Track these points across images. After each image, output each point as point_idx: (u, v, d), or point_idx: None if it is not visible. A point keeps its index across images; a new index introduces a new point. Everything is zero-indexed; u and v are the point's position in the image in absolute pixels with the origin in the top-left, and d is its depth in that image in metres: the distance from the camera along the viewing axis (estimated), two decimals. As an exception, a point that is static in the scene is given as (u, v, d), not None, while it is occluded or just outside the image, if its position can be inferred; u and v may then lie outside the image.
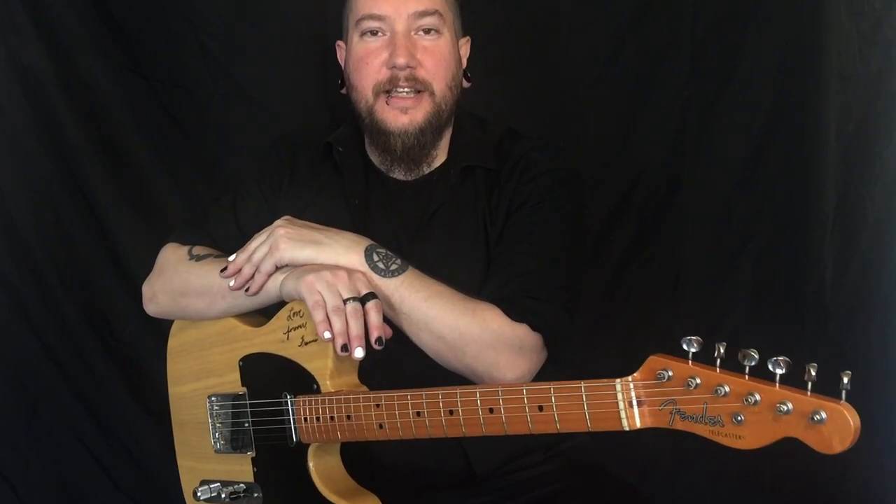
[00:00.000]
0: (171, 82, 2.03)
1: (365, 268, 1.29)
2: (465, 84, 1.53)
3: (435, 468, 1.37)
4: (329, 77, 1.98)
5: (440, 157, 1.50)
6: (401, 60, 1.40)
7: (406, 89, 1.41)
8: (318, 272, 1.26)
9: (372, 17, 1.41)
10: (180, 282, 1.45)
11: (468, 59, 1.56)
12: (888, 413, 1.90)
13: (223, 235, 1.50)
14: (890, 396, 1.91)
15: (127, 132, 2.02)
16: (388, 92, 1.42)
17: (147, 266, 1.55)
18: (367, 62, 1.43)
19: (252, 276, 1.32)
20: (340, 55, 1.54)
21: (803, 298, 1.94)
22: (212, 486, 1.43)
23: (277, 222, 1.34)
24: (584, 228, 1.53)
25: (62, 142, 2.00)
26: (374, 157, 1.51)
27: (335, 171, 1.51)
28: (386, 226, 1.45)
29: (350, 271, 1.27)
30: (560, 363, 1.36)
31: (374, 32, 1.42)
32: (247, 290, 1.33)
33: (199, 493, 1.44)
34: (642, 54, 1.97)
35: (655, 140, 2.00)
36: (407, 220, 1.46)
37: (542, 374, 1.33)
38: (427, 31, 1.43)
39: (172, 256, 1.49)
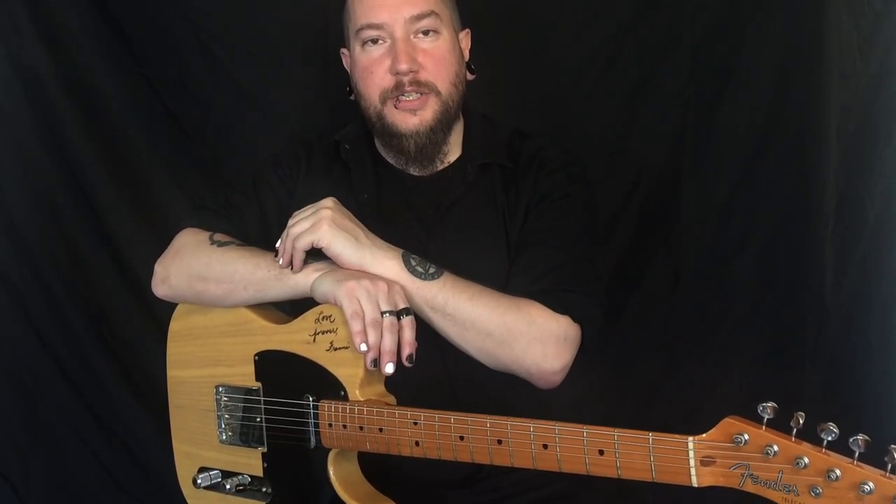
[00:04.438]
0: (171, 82, 2.03)
1: (404, 272, 1.28)
2: (470, 77, 1.54)
3: (442, 465, 1.37)
4: (329, 77, 1.99)
5: (453, 152, 1.52)
6: (403, 66, 1.40)
7: (412, 93, 1.42)
8: (359, 280, 1.24)
9: (371, 26, 1.42)
10: (200, 266, 1.42)
11: (470, 51, 1.57)
12: (888, 413, 1.90)
13: (245, 219, 1.49)
14: (890, 396, 1.91)
15: (127, 132, 2.02)
16: (395, 97, 1.43)
17: (148, 265, 1.55)
18: (371, 71, 1.44)
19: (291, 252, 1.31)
20: (346, 62, 1.55)
21: (803, 298, 1.94)
22: (211, 473, 1.43)
23: (325, 201, 1.33)
24: (598, 219, 1.55)
25: (62, 142, 2.00)
26: (389, 156, 1.51)
27: (345, 169, 1.52)
28: (401, 220, 1.45)
29: (389, 283, 1.26)
30: (587, 353, 1.38)
31: (374, 41, 1.44)
32: (291, 268, 1.32)
33: (199, 481, 1.43)
34: (642, 54, 1.97)
35: (655, 140, 2.00)
36: (423, 214, 1.46)
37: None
38: (426, 33, 1.43)
39: (192, 240, 1.47)
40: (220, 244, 1.44)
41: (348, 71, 1.54)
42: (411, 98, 1.42)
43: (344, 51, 1.54)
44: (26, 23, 1.95)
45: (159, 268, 1.50)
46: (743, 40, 1.92)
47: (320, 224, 1.29)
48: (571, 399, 1.50)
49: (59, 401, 2.06)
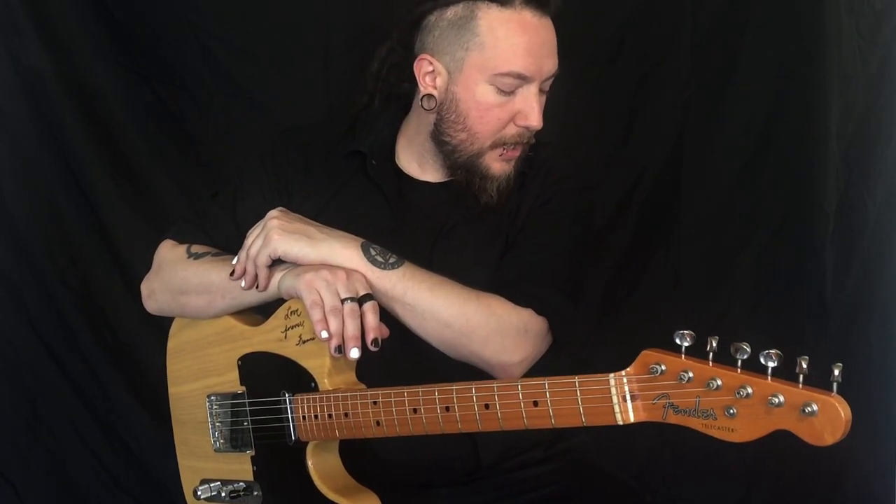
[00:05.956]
0: (171, 83, 2.03)
1: (363, 262, 1.28)
2: None
3: (441, 461, 1.37)
4: (329, 76, 1.99)
5: None
6: (537, 126, 1.38)
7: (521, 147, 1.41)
8: (317, 271, 1.25)
9: (520, 76, 1.35)
10: (179, 280, 1.44)
11: None
12: (888, 413, 1.90)
13: (221, 236, 1.49)
14: (890, 396, 1.91)
15: (127, 132, 2.02)
16: (507, 147, 1.40)
17: (148, 265, 1.55)
18: (496, 116, 1.37)
19: (255, 274, 1.32)
20: (421, 69, 1.41)
21: (803, 298, 1.94)
22: (212, 485, 1.43)
23: (270, 213, 1.33)
24: (591, 231, 1.54)
25: (63, 142, 2.00)
26: (411, 167, 1.49)
27: (362, 174, 1.47)
28: (417, 226, 1.44)
29: (349, 271, 1.26)
30: (564, 349, 1.37)
31: (511, 89, 1.37)
32: (257, 287, 1.32)
33: (199, 493, 1.44)
34: (642, 54, 1.97)
35: (655, 140, 2.00)
36: (438, 221, 1.44)
37: (546, 362, 1.34)
38: (544, 91, 1.41)
39: (170, 254, 1.49)
40: (197, 256, 1.44)
41: (423, 80, 1.41)
42: (517, 150, 1.41)
43: (429, 59, 1.40)
44: (26, 23, 1.94)
45: (144, 286, 1.52)
46: (743, 40, 1.92)
47: (270, 235, 1.29)
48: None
49: (59, 401, 2.06)
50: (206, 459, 1.47)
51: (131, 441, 2.09)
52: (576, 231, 1.43)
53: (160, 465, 2.03)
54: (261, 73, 2.01)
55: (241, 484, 1.41)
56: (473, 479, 1.42)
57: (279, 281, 1.30)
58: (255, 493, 1.39)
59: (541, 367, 1.34)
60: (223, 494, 1.41)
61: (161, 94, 2.03)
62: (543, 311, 1.32)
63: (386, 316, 1.27)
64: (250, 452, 1.39)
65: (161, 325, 1.98)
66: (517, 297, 1.31)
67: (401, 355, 1.28)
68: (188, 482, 1.53)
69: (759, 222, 1.96)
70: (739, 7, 1.92)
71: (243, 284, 1.33)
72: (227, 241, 1.46)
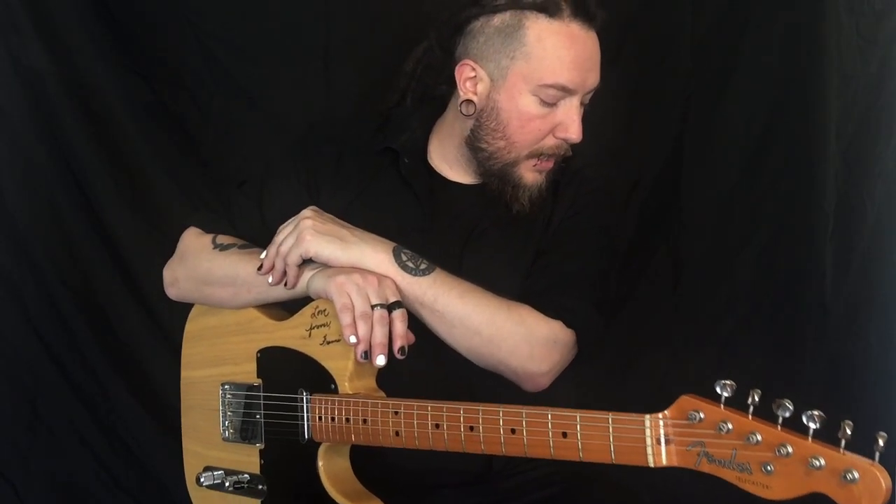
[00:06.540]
0: (171, 83, 2.03)
1: (394, 266, 1.28)
2: None
3: (452, 468, 1.36)
4: (330, 77, 1.99)
5: None
6: (576, 139, 1.38)
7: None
8: (349, 274, 1.25)
9: (564, 88, 1.36)
10: (204, 271, 1.44)
11: None
12: (888, 414, 1.90)
13: (246, 227, 1.49)
14: (890, 396, 1.91)
15: (127, 132, 2.02)
16: (543, 158, 1.40)
17: (148, 265, 1.55)
18: (536, 126, 1.38)
19: (284, 271, 1.31)
20: (463, 74, 1.41)
21: (803, 298, 1.94)
22: (215, 472, 1.43)
23: (304, 212, 1.33)
24: (620, 244, 1.55)
25: (62, 142, 2.00)
26: (443, 167, 1.49)
27: (393, 171, 1.47)
28: (447, 226, 1.44)
29: (380, 277, 1.26)
30: (588, 362, 1.37)
31: (553, 101, 1.37)
32: (286, 285, 1.32)
33: (202, 479, 1.44)
34: (642, 54, 1.97)
35: (655, 140, 2.00)
36: (469, 223, 1.44)
37: (568, 374, 1.35)
38: (584, 104, 1.41)
39: (196, 243, 1.48)
40: (223, 247, 1.44)
41: (464, 86, 1.41)
42: (551, 161, 1.41)
43: (471, 64, 1.39)
44: (26, 23, 1.94)
45: (167, 272, 1.52)
46: (743, 40, 1.91)
47: (303, 235, 1.29)
48: (574, 401, 1.50)
49: (59, 400, 2.06)
50: (212, 447, 1.47)
51: (131, 441, 2.09)
52: (604, 243, 1.44)
53: (160, 465, 2.03)
54: (261, 73, 2.01)
55: (245, 475, 1.41)
56: (480, 482, 1.42)
57: (308, 280, 1.30)
58: (261, 486, 1.39)
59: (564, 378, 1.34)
60: (227, 484, 1.41)
61: (161, 94, 2.03)
62: (573, 324, 1.32)
63: (413, 324, 1.27)
64: (259, 446, 1.39)
65: (162, 325, 1.99)
66: (547, 307, 1.31)
67: (426, 364, 1.28)
68: (191, 468, 1.53)
69: (758, 222, 1.96)
70: (739, 7, 1.91)
71: (271, 280, 1.33)
72: (252, 232, 1.46)
